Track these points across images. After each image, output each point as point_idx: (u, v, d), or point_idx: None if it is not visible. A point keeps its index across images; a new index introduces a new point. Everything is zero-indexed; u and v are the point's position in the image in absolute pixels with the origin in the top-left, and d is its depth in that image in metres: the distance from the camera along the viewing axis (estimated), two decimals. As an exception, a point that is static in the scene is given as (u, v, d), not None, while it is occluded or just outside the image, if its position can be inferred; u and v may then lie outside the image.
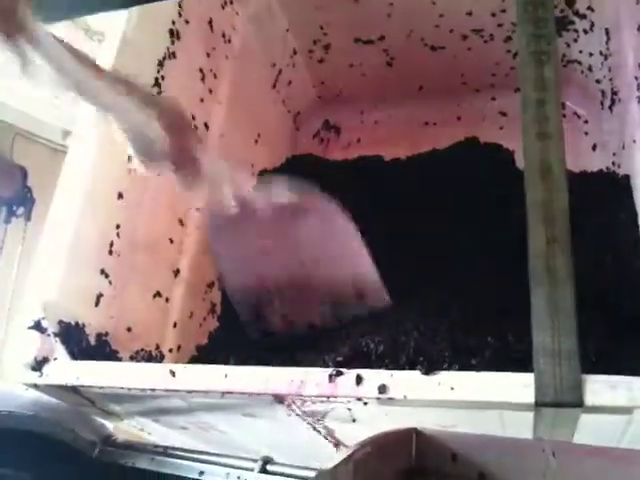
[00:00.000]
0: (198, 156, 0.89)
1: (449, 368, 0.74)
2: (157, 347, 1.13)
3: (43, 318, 0.91)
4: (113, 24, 1.09)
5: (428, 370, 0.70)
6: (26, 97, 1.66)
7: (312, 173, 1.46)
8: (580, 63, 1.43)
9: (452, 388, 0.68)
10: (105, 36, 1.16)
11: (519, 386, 0.65)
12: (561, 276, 0.67)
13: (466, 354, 0.80)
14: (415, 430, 0.61)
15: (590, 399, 0.63)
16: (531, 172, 0.72)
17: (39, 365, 0.88)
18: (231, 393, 0.78)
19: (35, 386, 0.89)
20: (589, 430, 0.68)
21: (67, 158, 1.02)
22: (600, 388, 0.63)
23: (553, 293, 0.67)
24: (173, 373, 0.81)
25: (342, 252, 1.05)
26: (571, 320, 0.66)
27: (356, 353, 0.84)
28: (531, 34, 0.77)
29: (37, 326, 0.90)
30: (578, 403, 0.63)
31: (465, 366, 0.76)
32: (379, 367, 0.77)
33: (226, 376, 0.79)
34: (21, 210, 2.00)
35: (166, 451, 0.99)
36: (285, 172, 1.51)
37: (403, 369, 0.74)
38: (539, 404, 0.64)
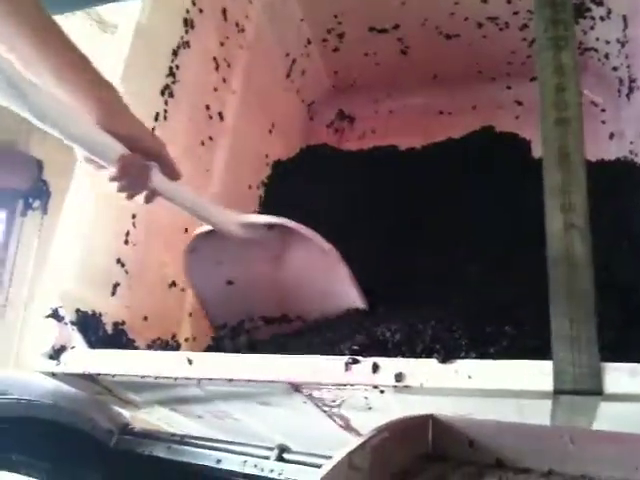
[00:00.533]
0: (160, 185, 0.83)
1: (466, 356, 0.73)
2: (173, 336, 1.13)
3: (60, 307, 0.91)
4: (126, 15, 1.09)
5: (445, 358, 0.70)
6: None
7: (327, 164, 1.47)
8: (597, 51, 1.42)
9: (469, 376, 0.68)
10: (118, 28, 1.16)
11: (537, 374, 0.65)
12: (580, 263, 0.67)
13: (483, 342, 0.79)
14: (432, 416, 0.61)
15: (609, 387, 0.62)
16: (549, 158, 0.71)
17: (57, 354, 0.89)
18: (248, 381, 0.78)
19: (53, 375, 0.89)
20: (608, 418, 0.67)
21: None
22: (619, 376, 0.63)
23: (572, 280, 0.66)
24: (190, 361, 0.81)
25: (324, 277, 1.00)
26: (590, 307, 0.65)
27: (372, 341, 0.84)
28: (549, 19, 0.76)
29: (55, 315, 0.91)
30: (597, 391, 0.62)
31: (482, 354, 0.76)
32: (396, 355, 0.77)
33: (243, 364, 0.79)
34: (37, 203, 2.01)
35: (183, 439, 0.99)
36: (300, 163, 1.52)
37: (420, 357, 0.74)
38: (557, 392, 0.63)
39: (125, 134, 0.77)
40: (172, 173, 0.84)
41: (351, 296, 1.02)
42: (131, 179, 0.78)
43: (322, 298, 1.03)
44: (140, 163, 0.78)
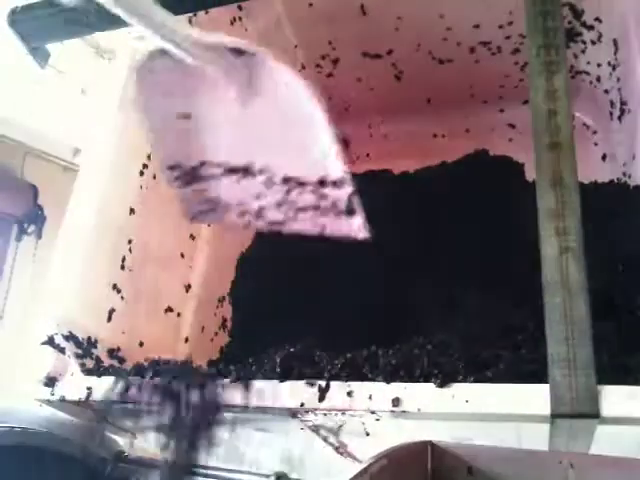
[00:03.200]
0: None
1: (463, 380, 0.73)
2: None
3: (56, 334, 0.91)
4: (123, 42, 1.10)
5: (442, 383, 0.70)
6: (36, 115, 1.68)
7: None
8: (588, 74, 1.44)
9: (467, 401, 0.68)
10: (115, 54, 1.17)
11: (535, 397, 0.65)
12: (575, 286, 0.67)
13: (480, 366, 0.79)
14: (430, 443, 0.61)
15: (606, 410, 0.62)
16: (543, 182, 0.72)
17: (52, 381, 0.88)
18: (246, 407, 0.77)
19: (48, 402, 0.89)
20: (605, 441, 0.67)
21: (79, 175, 1.02)
22: (616, 398, 0.63)
23: (567, 303, 0.66)
24: (186, 388, 0.81)
25: (299, 126, 0.83)
26: (586, 330, 0.65)
27: (371, 366, 0.84)
28: (541, 44, 0.77)
29: (50, 342, 0.91)
30: (595, 414, 0.62)
31: (480, 378, 0.75)
32: (393, 380, 0.77)
33: (242, 390, 0.78)
34: (32, 228, 2.01)
35: (179, 467, 0.98)
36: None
37: (418, 382, 0.74)
38: (555, 415, 0.63)
39: None
40: None
41: (328, 157, 0.84)
42: None
43: (294, 152, 0.85)
44: None
